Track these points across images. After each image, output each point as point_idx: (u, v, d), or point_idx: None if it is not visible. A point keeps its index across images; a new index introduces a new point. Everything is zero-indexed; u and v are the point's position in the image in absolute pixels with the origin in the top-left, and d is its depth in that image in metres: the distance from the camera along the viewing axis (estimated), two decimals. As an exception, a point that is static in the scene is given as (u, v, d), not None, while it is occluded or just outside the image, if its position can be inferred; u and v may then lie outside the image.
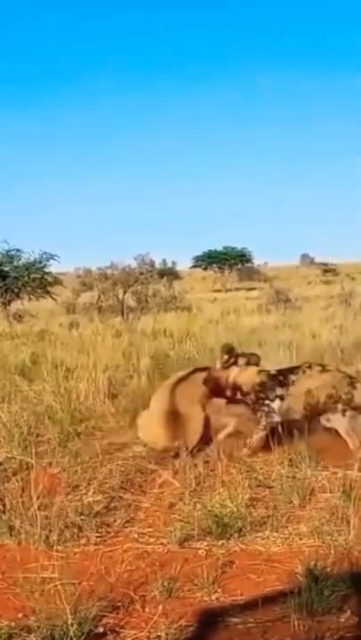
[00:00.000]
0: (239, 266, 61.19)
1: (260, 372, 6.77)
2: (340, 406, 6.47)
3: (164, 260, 63.93)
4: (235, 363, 6.81)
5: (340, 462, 6.04)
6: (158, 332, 16.76)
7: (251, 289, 47.95)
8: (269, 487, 5.67)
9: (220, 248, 60.13)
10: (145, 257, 28.42)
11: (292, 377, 6.66)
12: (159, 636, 3.55)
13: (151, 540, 4.83)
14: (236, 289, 51.76)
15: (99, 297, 26.15)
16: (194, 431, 6.67)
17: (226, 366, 6.81)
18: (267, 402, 6.59)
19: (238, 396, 6.77)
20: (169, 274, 49.10)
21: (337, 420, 6.47)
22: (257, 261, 67.71)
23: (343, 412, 6.46)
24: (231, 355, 6.85)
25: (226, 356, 6.83)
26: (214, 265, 59.89)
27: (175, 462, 6.31)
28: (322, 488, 5.60)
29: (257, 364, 6.88)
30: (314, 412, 6.55)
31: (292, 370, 6.80)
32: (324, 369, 6.81)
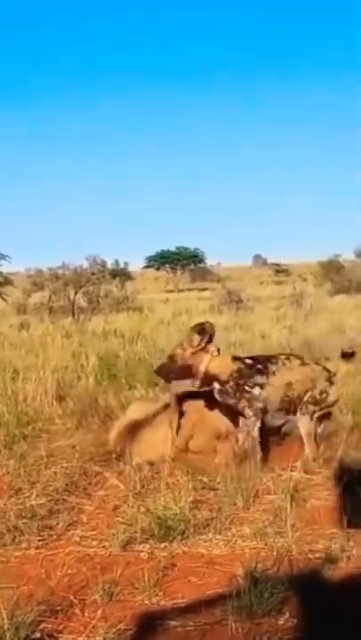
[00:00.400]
0: (192, 266, 61.30)
1: (234, 358, 6.48)
2: (310, 407, 6.37)
3: (117, 261, 63.64)
4: (204, 349, 6.38)
5: (287, 464, 6.03)
6: (109, 333, 16.69)
7: (203, 289, 48.01)
8: (214, 489, 5.66)
9: (172, 248, 60.20)
10: (96, 257, 28.39)
11: (272, 367, 6.37)
12: (97, 641, 3.52)
13: (94, 543, 4.79)
14: (189, 289, 51.81)
15: (50, 297, 25.95)
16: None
17: (197, 351, 6.37)
18: (247, 388, 6.26)
19: (216, 385, 6.34)
20: (121, 274, 48.86)
21: (303, 421, 6.36)
22: (210, 262, 67.99)
23: (312, 414, 6.37)
24: (203, 336, 6.39)
25: (198, 337, 6.37)
26: (167, 265, 59.89)
27: (120, 465, 6.28)
28: (267, 490, 5.61)
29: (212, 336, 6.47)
30: (290, 405, 6.37)
31: (270, 359, 6.50)
32: (303, 362, 6.58)
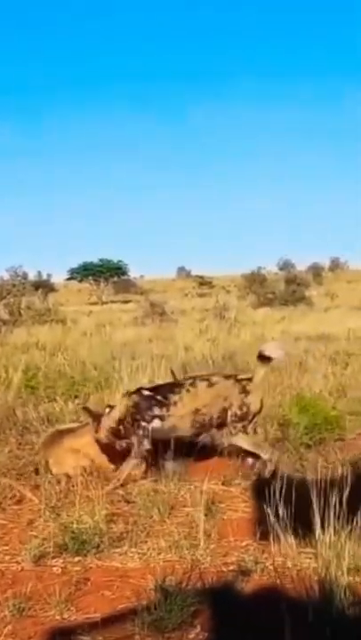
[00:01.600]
0: (115, 278, 61.08)
1: (128, 394, 6.40)
2: (238, 425, 6.17)
3: (39, 272, 63.33)
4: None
5: (204, 477, 6.01)
6: (31, 345, 16.54)
7: (127, 301, 47.97)
8: (131, 502, 5.64)
9: (95, 260, 59.92)
10: (18, 269, 28.15)
11: (174, 397, 6.20)
12: (6, 658, 3.46)
13: (6, 558, 4.72)
14: (112, 302, 51.67)
15: (-30, 310, 25.62)
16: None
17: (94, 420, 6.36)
18: (143, 424, 6.15)
19: (122, 430, 6.22)
20: (44, 286, 48.49)
21: (239, 439, 6.19)
22: (133, 274, 67.87)
23: (244, 428, 6.20)
24: (90, 414, 6.45)
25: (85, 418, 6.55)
26: (90, 277, 59.54)
27: (37, 478, 6.21)
28: (183, 502, 5.61)
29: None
30: (207, 428, 6.20)
31: (172, 388, 6.37)
32: (210, 383, 6.28)
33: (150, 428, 6.15)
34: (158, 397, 6.23)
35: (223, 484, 6.01)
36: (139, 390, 6.40)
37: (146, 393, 6.30)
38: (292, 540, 4.46)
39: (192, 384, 6.31)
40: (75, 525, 4.91)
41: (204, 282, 70.62)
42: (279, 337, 16.67)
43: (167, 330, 20.21)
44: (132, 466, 6.14)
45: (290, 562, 4.39)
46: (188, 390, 6.25)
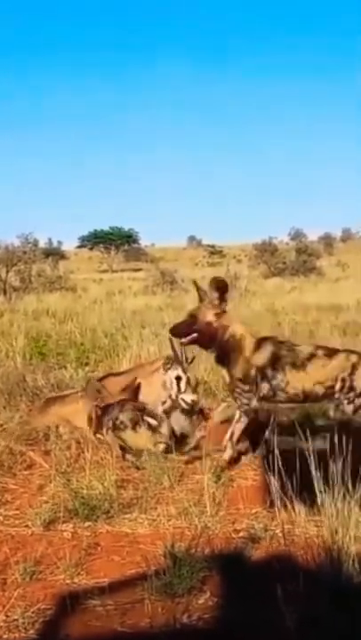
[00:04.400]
0: (126, 247, 61.02)
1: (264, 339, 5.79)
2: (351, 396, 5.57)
3: (50, 240, 63.35)
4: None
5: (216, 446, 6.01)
6: (41, 313, 16.58)
7: (137, 270, 47.96)
8: (141, 469, 5.66)
9: (106, 228, 59.86)
10: (28, 236, 28.10)
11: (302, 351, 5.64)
12: (16, 620, 3.48)
13: (17, 522, 4.75)
14: (123, 270, 51.67)
15: (-20, 276, 25.65)
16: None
17: (222, 312, 5.71)
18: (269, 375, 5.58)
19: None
20: (54, 254, 48.59)
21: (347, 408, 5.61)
22: (144, 242, 67.82)
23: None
24: (222, 293, 5.71)
25: (216, 295, 5.68)
26: (101, 245, 59.51)
27: (46, 443, 6.24)
28: (193, 470, 5.62)
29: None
30: (319, 398, 5.66)
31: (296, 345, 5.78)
32: (329, 353, 5.69)
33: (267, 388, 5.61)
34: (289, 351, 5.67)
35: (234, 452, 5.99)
36: (270, 337, 5.90)
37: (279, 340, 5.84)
38: (300, 507, 4.47)
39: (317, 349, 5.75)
40: (85, 491, 4.93)
41: (214, 251, 70.53)
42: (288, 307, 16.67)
43: (178, 298, 20.21)
44: (239, 428, 5.74)
45: (298, 529, 4.40)
46: (313, 355, 5.66)
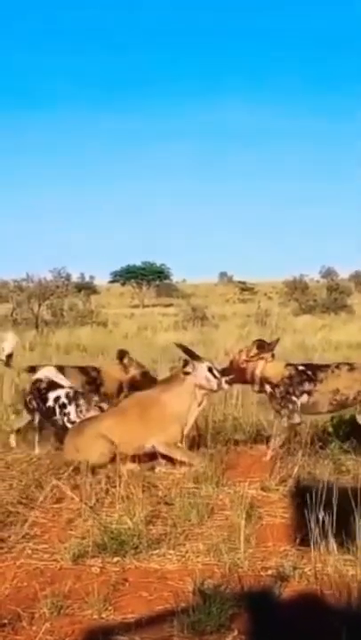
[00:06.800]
0: (157, 282, 61.14)
1: (288, 365, 7.07)
2: None
3: (82, 274, 63.71)
4: (260, 357, 6.97)
5: (245, 478, 6.00)
6: (72, 347, 16.65)
7: (168, 305, 48.04)
8: (169, 504, 5.64)
9: (138, 263, 60.06)
10: (61, 270, 28.31)
11: (321, 374, 6.97)
12: (43, 654, 3.48)
13: (45, 556, 4.74)
14: (154, 305, 51.80)
15: (13, 309, 25.85)
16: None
17: (251, 359, 6.97)
18: (293, 398, 6.87)
19: (267, 388, 6.99)
20: (86, 288, 48.86)
21: None
22: (175, 278, 67.88)
23: None
24: (261, 349, 7.00)
25: (256, 351, 6.98)
26: (132, 280, 59.66)
27: (77, 478, 6.23)
28: (222, 506, 5.59)
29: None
30: (341, 408, 7.08)
31: (320, 367, 7.16)
32: (351, 367, 7.13)
33: (299, 404, 6.91)
34: (309, 373, 7.00)
35: (262, 489, 5.96)
36: (292, 364, 7.17)
37: (300, 367, 7.09)
38: (332, 545, 4.43)
39: (337, 366, 7.15)
40: (114, 526, 4.92)
41: (245, 287, 70.46)
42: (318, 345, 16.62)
43: (208, 334, 20.21)
44: (282, 439, 6.91)
45: (329, 568, 4.35)
46: (332, 371, 7.06)
